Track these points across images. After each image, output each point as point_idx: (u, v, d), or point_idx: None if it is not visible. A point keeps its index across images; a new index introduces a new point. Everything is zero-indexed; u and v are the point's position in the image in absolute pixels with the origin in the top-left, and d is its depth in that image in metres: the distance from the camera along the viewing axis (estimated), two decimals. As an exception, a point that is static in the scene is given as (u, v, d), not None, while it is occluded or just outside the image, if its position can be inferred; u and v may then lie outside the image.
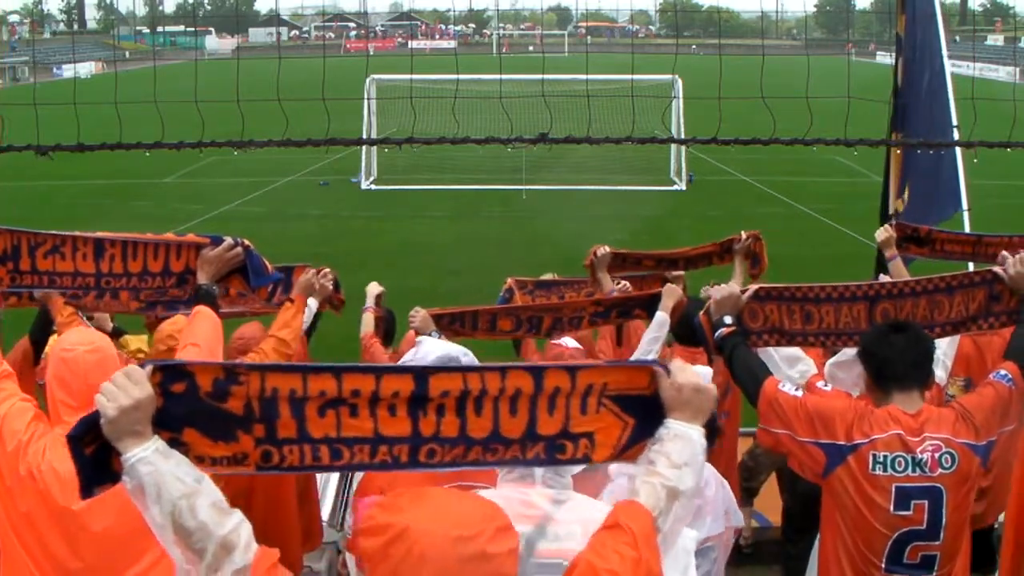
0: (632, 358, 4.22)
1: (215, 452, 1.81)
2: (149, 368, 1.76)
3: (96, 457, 1.75)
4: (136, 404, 1.71)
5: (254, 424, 1.82)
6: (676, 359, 2.02)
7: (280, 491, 4.00)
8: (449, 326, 4.28)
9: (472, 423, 1.88)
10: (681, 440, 1.91)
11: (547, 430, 1.91)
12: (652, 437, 1.94)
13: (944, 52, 6.66)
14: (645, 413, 1.95)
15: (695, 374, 1.97)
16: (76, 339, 2.86)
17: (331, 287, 4.59)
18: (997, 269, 3.30)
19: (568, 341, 4.31)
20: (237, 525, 1.70)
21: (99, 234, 3.23)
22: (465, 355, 2.91)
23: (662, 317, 4.22)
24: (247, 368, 1.83)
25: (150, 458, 1.70)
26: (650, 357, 4.12)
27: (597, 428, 1.94)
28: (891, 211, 6.97)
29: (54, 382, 2.81)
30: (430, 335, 4.12)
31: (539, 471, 2.13)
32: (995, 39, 66.81)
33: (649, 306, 4.33)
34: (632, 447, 1.96)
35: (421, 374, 1.86)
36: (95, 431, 1.73)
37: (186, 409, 1.79)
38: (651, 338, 4.18)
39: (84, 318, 3.96)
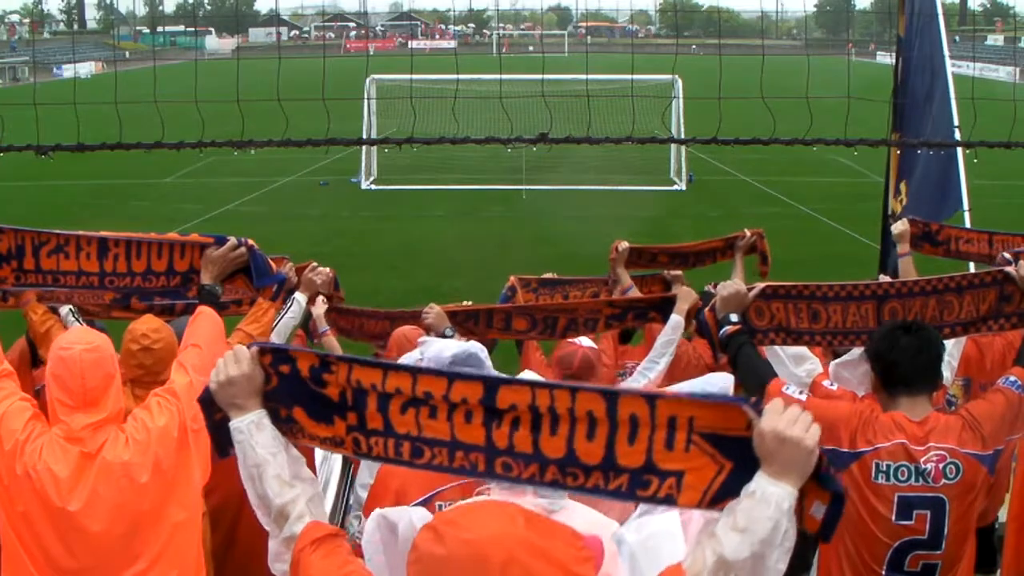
0: (646, 360, 4.21)
1: (319, 432, 1.94)
2: (255, 350, 1.95)
3: (222, 423, 1.97)
4: (230, 380, 1.92)
5: (347, 412, 1.91)
6: (775, 399, 1.74)
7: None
8: (463, 324, 4.26)
9: (546, 442, 1.79)
10: (753, 499, 1.65)
11: (628, 461, 1.76)
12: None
13: (946, 52, 6.66)
14: (744, 457, 1.70)
15: (789, 418, 1.68)
16: (74, 338, 2.86)
17: (319, 281, 4.58)
18: (1009, 269, 3.25)
19: (583, 339, 4.31)
20: (295, 498, 1.89)
21: (103, 233, 3.22)
22: (481, 350, 2.89)
23: (677, 320, 4.21)
24: (336, 359, 1.93)
25: (243, 428, 1.92)
26: (664, 360, 4.11)
27: (688, 467, 1.74)
28: (889, 212, 6.98)
29: (51, 380, 2.80)
30: (444, 333, 4.11)
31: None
32: (995, 39, 66.78)
33: (663, 309, 4.33)
34: (728, 496, 1.71)
35: (491, 384, 1.84)
36: None
37: (294, 390, 1.93)
38: (665, 340, 4.16)
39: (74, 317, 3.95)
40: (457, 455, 1.85)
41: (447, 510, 1.71)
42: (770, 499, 1.64)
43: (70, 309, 3.94)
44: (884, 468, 2.77)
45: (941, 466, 2.75)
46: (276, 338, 4.36)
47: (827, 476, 1.73)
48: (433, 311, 4.22)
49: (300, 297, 4.51)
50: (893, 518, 2.77)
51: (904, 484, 2.76)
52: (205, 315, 3.10)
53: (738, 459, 1.71)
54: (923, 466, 2.75)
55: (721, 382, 2.90)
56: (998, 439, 2.86)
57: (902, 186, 6.87)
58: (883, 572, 2.82)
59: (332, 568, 1.80)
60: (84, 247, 3.18)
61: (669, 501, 1.77)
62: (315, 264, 4.63)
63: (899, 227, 4.41)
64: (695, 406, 1.75)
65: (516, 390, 1.81)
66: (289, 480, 1.91)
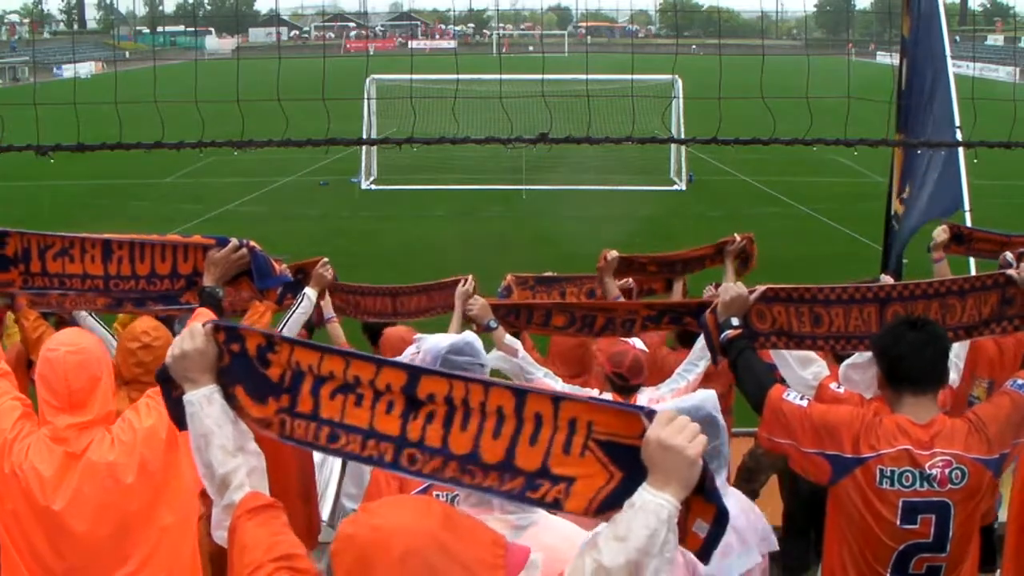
0: (685, 363, 4.22)
1: (253, 412, 2.01)
2: (209, 326, 2.02)
3: (180, 399, 2.04)
4: (184, 354, 2.00)
5: (282, 393, 1.97)
6: (666, 409, 1.77)
7: (283, 490, 4.01)
8: (504, 318, 4.32)
9: (455, 437, 1.85)
10: (633, 508, 1.67)
11: (525, 463, 1.80)
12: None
13: (947, 52, 6.66)
14: (635, 468, 1.72)
15: (674, 428, 1.69)
16: (62, 339, 2.85)
17: (329, 276, 4.63)
18: (1011, 272, 3.23)
19: (636, 341, 4.34)
20: (236, 468, 1.98)
21: (106, 236, 3.22)
22: (476, 339, 2.97)
23: None
24: (280, 339, 2.00)
25: (195, 401, 2.00)
26: (702, 363, 4.12)
27: (579, 474, 1.77)
28: (892, 212, 6.98)
29: (38, 380, 2.81)
30: (488, 324, 4.20)
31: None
32: (995, 39, 66.78)
33: (699, 313, 4.34)
34: (613, 508, 1.72)
35: (414, 372, 1.90)
36: None
37: (242, 367, 2.00)
38: (703, 346, 4.14)
39: (91, 317, 3.96)
40: (369, 444, 1.91)
41: (379, 500, 1.75)
42: (649, 508, 1.65)
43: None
44: (888, 473, 2.74)
45: (947, 471, 2.73)
46: (287, 334, 4.38)
47: (713, 491, 1.73)
48: (478, 303, 4.27)
49: (310, 292, 4.54)
50: (898, 522, 2.75)
51: (909, 489, 2.73)
52: (202, 317, 3.08)
53: (629, 470, 1.73)
54: (928, 471, 2.72)
55: (699, 398, 2.92)
56: (1004, 442, 2.83)
57: (907, 186, 6.88)
58: (887, 574, 2.81)
59: (264, 536, 1.86)
60: (88, 250, 3.17)
61: (556, 506, 1.80)
62: (326, 260, 4.67)
63: (940, 235, 4.40)
64: (596, 410, 1.79)
65: (436, 381, 1.88)
66: (232, 451, 1.98)
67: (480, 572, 1.62)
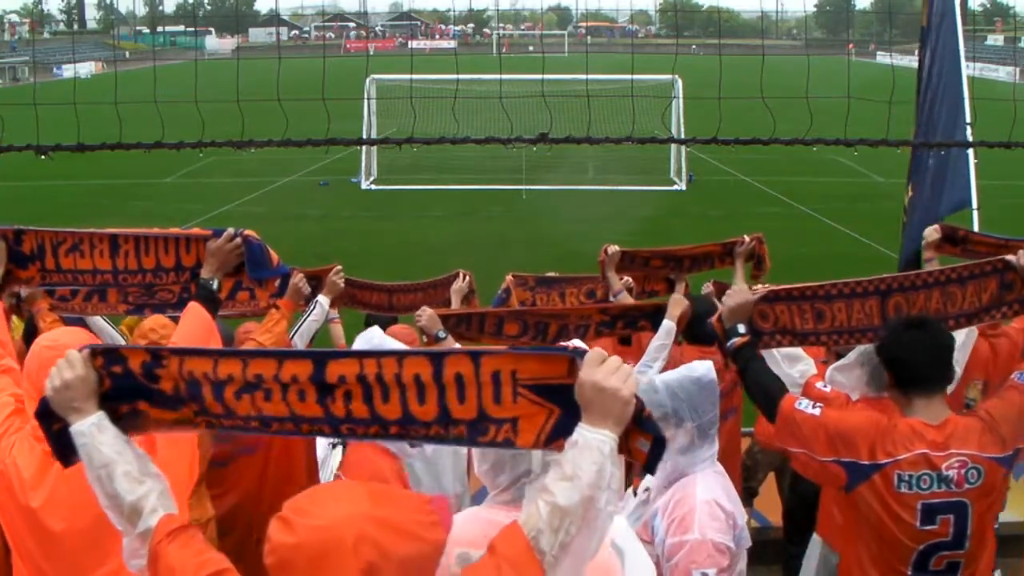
0: (639, 364, 4.19)
1: (168, 416, 1.97)
2: (86, 352, 1.95)
3: (62, 431, 1.95)
4: (67, 384, 1.93)
5: (187, 402, 1.95)
6: (596, 348, 1.81)
7: (290, 490, 4.02)
8: (455, 328, 4.27)
9: (380, 407, 1.86)
10: (576, 448, 1.73)
11: (462, 415, 1.84)
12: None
13: (961, 50, 6.67)
14: (570, 403, 1.78)
15: (606, 369, 1.75)
16: (47, 336, 2.86)
17: (343, 284, 4.66)
18: (1009, 257, 3.23)
19: (576, 341, 4.32)
20: (146, 493, 1.91)
21: (112, 230, 3.23)
22: (378, 337, 2.99)
23: (669, 325, 4.22)
24: (169, 352, 1.96)
25: (85, 431, 1.92)
26: (657, 364, 4.10)
27: (519, 415, 1.82)
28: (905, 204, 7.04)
29: (23, 376, 2.81)
30: (436, 335, 4.14)
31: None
32: (995, 39, 66.78)
33: (654, 317, 4.34)
34: (561, 437, 1.79)
35: (319, 358, 1.89)
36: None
37: (131, 387, 1.96)
38: (658, 345, 4.16)
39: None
40: (303, 426, 1.92)
41: (296, 498, 1.72)
42: (592, 445, 1.72)
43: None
44: (907, 478, 2.74)
45: (963, 471, 2.74)
46: (299, 340, 4.42)
47: (646, 422, 1.81)
48: (425, 314, 4.24)
49: (323, 300, 4.56)
50: (917, 524, 2.76)
51: (927, 492, 2.74)
52: (191, 312, 3.04)
53: (564, 405, 1.79)
54: (945, 472, 2.74)
55: (702, 368, 2.93)
56: (1017, 439, 2.84)
57: (911, 184, 6.92)
58: (909, 572, 2.82)
59: (188, 557, 1.83)
60: (97, 244, 3.19)
61: (508, 444, 1.84)
62: (339, 267, 4.68)
63: (932, 235, 4.38)
64: (516, 359, 1.81)
65: (344, 363, 1.86)
66: (139, 476, 1.92)
67: (423, 534, 1.65)
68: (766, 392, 3.02)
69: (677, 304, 4.30)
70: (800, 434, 2.87)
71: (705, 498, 2.79)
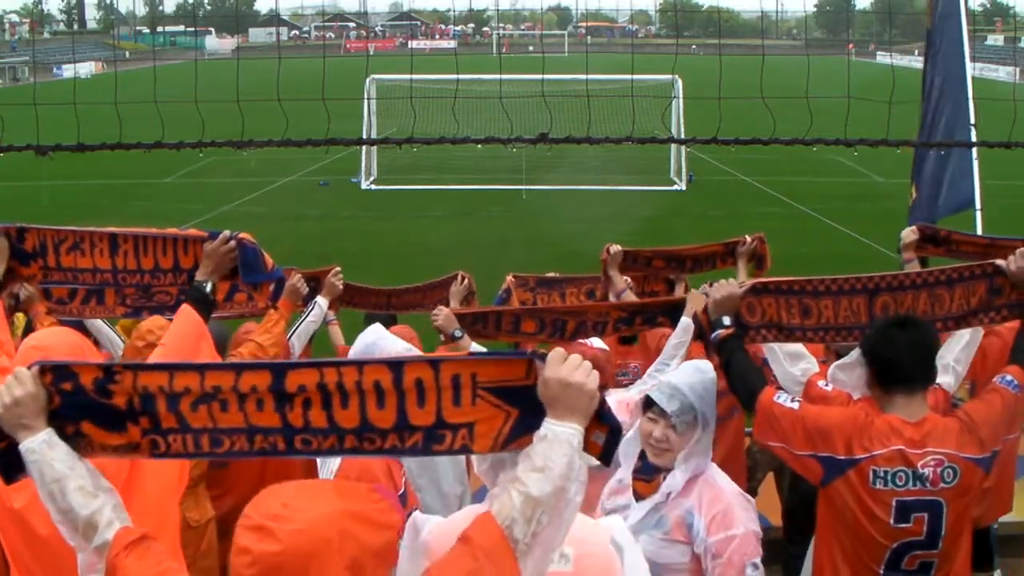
0: (656, 362, 4.17)
1: (111, 441, 1.97)
2: (35, 369, 1.95)
3: (9, 449, 1.95)
4: (16, 401, 1.92)
5: (140, 416, 1.94)
6: (557, 348, 1.89)
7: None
8: (471, 326, 4.26)
9: (339, 415, 1.88)
10: (546, 441, 1.81)
11: (420, 421, 1.88)
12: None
13: (966, 51, 6.67)
14: (529, 404, 1.86)
15: (570, 366, 1.83)
16: (34, 336, 2.86)
17: (342, 286, 4.67)
18: (999, 262, 3.21)
19: (594, 340, 4.30)
20: (100, 507, 1.90)
21: (112, 229, 3.23)
22: (408, 350, 2.99)
23: (686, 322, 4.19)
24: (122, 367, 1.96)
25: (35, 448, 1.92)
26: (674, 362, 4.08)
27: (477, 419, 1.88)
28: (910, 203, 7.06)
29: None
30: (453, 334, 4.15)
31: None
32: (995, 39, 66.78)
33: (673, 313, 4.31)
34: (519, 438, 1.87)
35: (278, 370, 1.90)
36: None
37: (80, 404, 1.95)
38: (676, 343, 4.13)
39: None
40: (256, 439, 1.92)
41: (259, 504, 1.73)
42: (561, 438, 1.80)
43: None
44: (882, 474, 2.74)
45: (939, 470, 2.73)
46: (297, 341, 4.43)
47: (606, 414, 1.89)
48: (442, 313, 4.23)
49: (322, 301, 4.57)
50: (891, 522, 2.75)
51: (902, 489, 2.74)
52: (182, 314, 3.02)
53: (522, 406, 1.87)
54: (920, 470, 2.73)
55: (708, 365, 2.99)
56: (996, 441, 2.84)
57: (916, 180, 6.94)
58: (881, 571, 2.82)
59: (147, 568, 1.83)
60: (97, 243, 3.19)
61: (465, 451, 1.91)
62: (338, 269, 4.69)
63: (909, 236, 4.37)
64: (476, 364, 1.89)
65: (304, 372, 1.89)
66: (93, 491, 1.91)
67: (388, 520, 1.73)
68: (747, 385, 3.04)
69: (696, 300, 4.28)
70: (779, 428, 2.88)
71: (734, 490, 2.91)
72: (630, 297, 4.80)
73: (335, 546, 1.62)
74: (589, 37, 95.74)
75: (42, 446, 1.91)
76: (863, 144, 4.52)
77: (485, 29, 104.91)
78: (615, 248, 4.86)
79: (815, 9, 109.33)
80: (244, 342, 4.01)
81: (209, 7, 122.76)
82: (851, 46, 62.81)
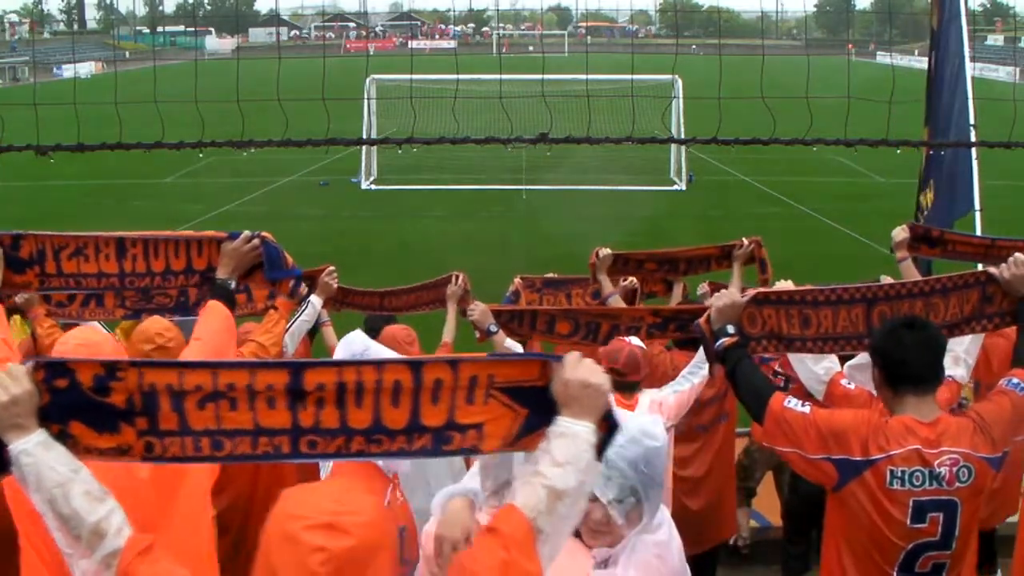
0: (691, 364, 4.13)
1: (101, 443, 1.90)
2: (30, 365, 1.87)
3: None
4: (12, 400, 1.82)
5: (136, 417, 1.89)
6: (572, 352, 1.95)
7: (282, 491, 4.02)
8: (507, 323, 4.29)
9: (352, 415, 1.90)
10: (566, 438, 1.88)
11: (432, 421, 1.91)
12: (548, 428, 1.91)
13: (966, 52, 6.69)
14: (539, 404, 1.93)
15: (588, 368, 1.91)
16: (73, 334, 2.88)
17: (336, 285, 4.68)
18: (992, 270, 3.22)
19: (633, 337, 4.29)
20: (109, 512, 1.80)
21: (119, 233, 3.23)
22: (368, 349, 2.94)
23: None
24: (127, 364, 1.91)
25: (31, 450, 1.81)
26: (707, 366, 4.05)
27: (486, 419, 1.93)
28: (921, 208, 7.05)
29: None
30: (488, 329, 4.17)
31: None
32: (995, 39, 66.77)
33: None
34: (526, 437, 1.94)
35: (296, 368, 1.89)
36: None
37: (71, 403, 1.88)
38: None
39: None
40: (261, 441, 1.91)
41: (320, 500, 1.83)
42: (580, 435, 1.88)
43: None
44: (899, 474, 2.73)
45: (955, 470, 2.73)
46: (290, 340, 4.43)
47: (610, 414, 1.95)
48: (479, 308, 4.26)
49: (315, 300, 4.57)
50: (908, 522, 2.75)
51: (919, 488, 2.74)
52: (213, 309, 3.06)
53: (532, 406, 1.93)
54: (937, 470, 2.73)
55: (658, 429, 2.79)
56: (1006, 441, 2.85)
57: (931, 181, 6.94)
58: (894, 574, 2.81)
59: (163, 572, 1.80)
60: (103, 248, 3.17)
61: (474, 451, 1.97)
62: (332, 268, 4.68)
63: (899, 234, 4.36)
64: (495, 365, 1.94)
65: (322, 371, 1.89)
66: (99, 495, 1.81)
67: (407, 511, 1.91)
68: (756, 392, 3.00)
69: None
70: (790, 433, 2.86)
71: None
72: (619, 302, 4.77)
73: (395, 535, 1.76)
74: (589, 37, 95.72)
75: (38, 448, 1.81)
76: (863, 144, 4.52)
77: (485, 29, 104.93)
78: (604, 252, 4.84)
79: (815, 9, 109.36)
80: (244, 342, 4.02)
81: (209, 7, 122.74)
82: (851, 46, 62.84)
